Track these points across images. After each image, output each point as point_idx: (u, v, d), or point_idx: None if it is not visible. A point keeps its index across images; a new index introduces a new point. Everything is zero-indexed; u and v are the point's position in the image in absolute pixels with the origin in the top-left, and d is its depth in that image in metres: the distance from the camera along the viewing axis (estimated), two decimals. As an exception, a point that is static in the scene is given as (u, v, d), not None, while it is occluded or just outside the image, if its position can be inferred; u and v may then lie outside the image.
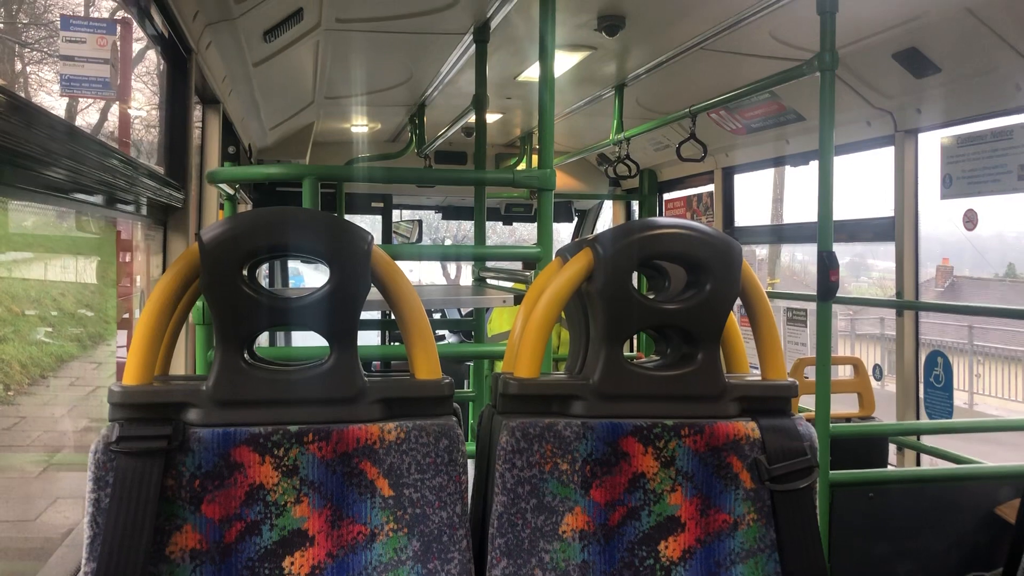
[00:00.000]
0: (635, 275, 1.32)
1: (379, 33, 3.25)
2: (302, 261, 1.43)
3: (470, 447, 1.40)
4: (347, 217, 2.39)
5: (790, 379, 1.35)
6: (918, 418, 3.72)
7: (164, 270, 2.36)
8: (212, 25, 2.40)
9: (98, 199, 1.66)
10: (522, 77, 4.05)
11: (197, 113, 2.76)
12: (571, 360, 1.40)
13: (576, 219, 6.97)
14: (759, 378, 1.35)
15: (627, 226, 1.29)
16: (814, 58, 2.66)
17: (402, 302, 1.26)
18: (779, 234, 4.89)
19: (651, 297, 1.30)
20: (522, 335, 1.30)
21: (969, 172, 3.27)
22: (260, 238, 1.18)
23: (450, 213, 7.21)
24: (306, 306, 1.19)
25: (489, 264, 3.32)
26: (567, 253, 1.33)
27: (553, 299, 1.28)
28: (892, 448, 3.76)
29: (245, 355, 1.20)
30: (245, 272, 1.19)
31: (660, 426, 1.26)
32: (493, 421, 1.30)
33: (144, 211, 2.12)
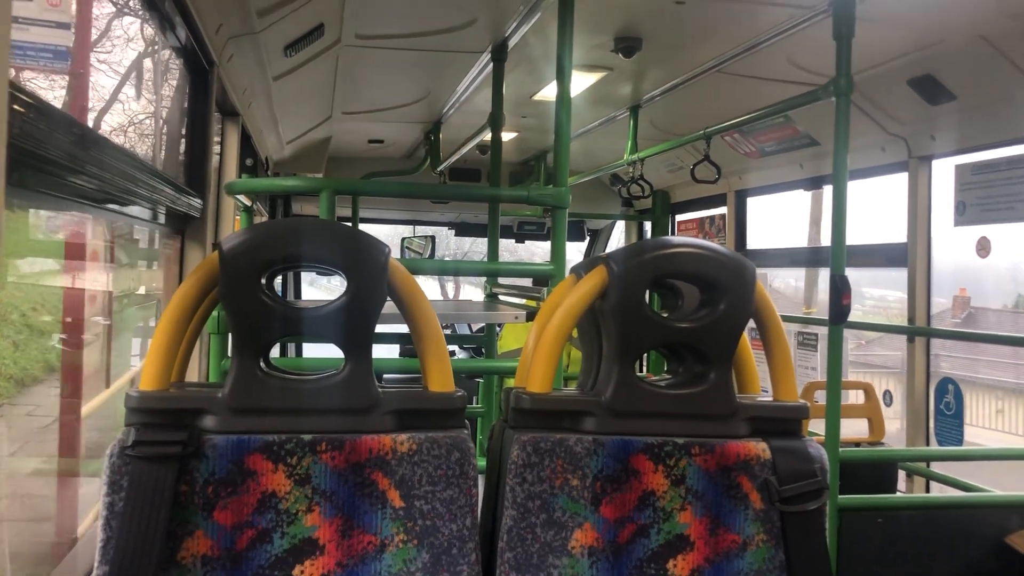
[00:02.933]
0: (648, 293, 1.33)
1: (398, 50, 3.29)
2: (318, 272, 1.44)
3: (480, 462, 1.41)
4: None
5: (802, 400, 1.36)
6: (928, 445, 3.70)
7: (181, 279, 2.38)
8: (235, 38, 2.43)
9: (117, 206, 1.68)
10: (538, 96, 4.08)
11: (216, 125, 2.79)
12: (583, 376, 1.40)
13: (588, 238, 6.99)
14: (771, 399, 1.36)
15: (642, 244, 1.30)
16: (830, 83, 2.67)
17: (418, 315, 1.27)
18: (792, 258, 4.89)
19: (664, 315, 1.31)
20: (535, 350, 1.31)
21: (983, 199, 3.27)
22: (279, 248, 1.20)
23: (463, 230, 7.24)
24: (322, 316, 1.21)
25: (501, 280, 3.34)
26: (581, 270, 1.34)
27: (567, 315, 1.29)
28: (901, 474, 3.74)
29: (261, 364, 1.21)
30: (263, 281, 1.20)
31: (671, 444, 1.27)
32: (504, 435, 1.30)
33: (162, 219, 2.14)
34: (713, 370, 1.29)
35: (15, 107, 0.93)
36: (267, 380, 1.20)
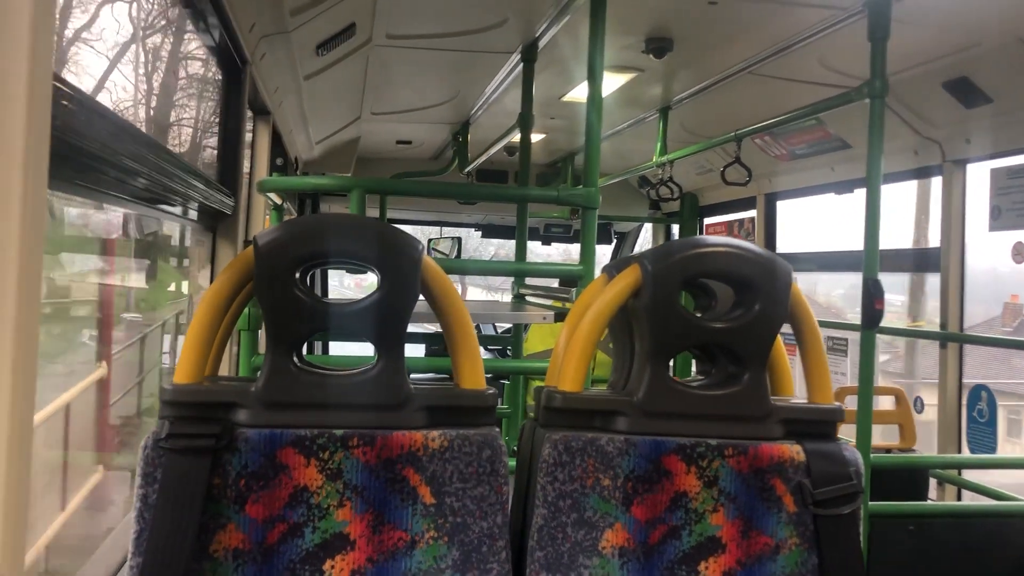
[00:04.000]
0: (681, 293, 1.32)
1: (428, 50, 3.30)
2: (348, 270, 1.44)
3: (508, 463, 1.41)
4: None
5: (836, 403, 1.34)
6: (959, 452, 3.65)
7: (212, 275, 2.40)
8: (267, 37, 2.45)
9: (152, 201, 1.70)
10: (567, 97, 4.08)
11: (248, 123, 2.81)
12: (615, 375, 1.40)
13: (615, 241, 6.97)
14: (805, 402, 1.34)
15: (675, 243, 1.29)
16: (863, 85, 2.64)
17: (450, 312, 1.27)
18: (822, 262, 4.85)
19: (698, 315, 1.30)
20: (567, 349, 1.31)
21: (1019, 204, 3.22)
22: (314, 243, 1.20)
23: (490, 231, 7.24)
24: (356, 312, 1.21)
25: (528, 281, 3.33)
26: (613, 270, 1.34)
27: (599, 314, 1.28)
28: (932, 482, 3.69)
29: (294, 358, 1.22)
30: (297, 277, 1.21)
31: (704, 445, 1.26)
32: (535, 434, 1.30)
33: (194, 216, 2.16)
34: (747, 371, 1.28)
35: (60, 101, 0.94)
36: (300, 375, 1.20)
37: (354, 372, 1.23)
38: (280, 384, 1.20)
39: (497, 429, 1.27)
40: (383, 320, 1.22)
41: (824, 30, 2.85)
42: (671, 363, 1.35)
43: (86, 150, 1.15)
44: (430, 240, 7.12)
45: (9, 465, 0.85)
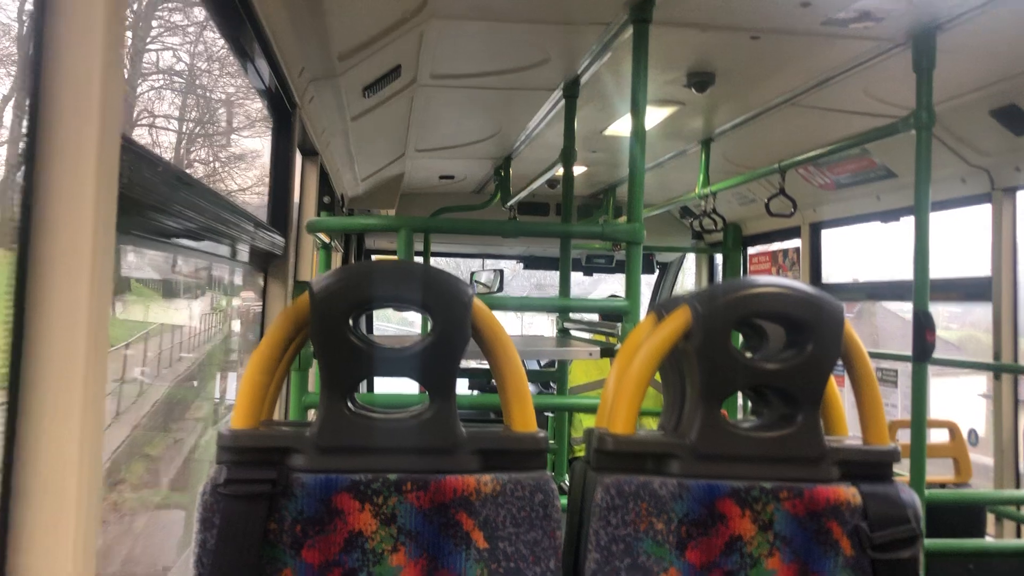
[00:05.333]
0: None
1: (471, 89, 3.34)
2: (396, 308, 1.46)
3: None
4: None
5: (892, 444, 1.33)
6: (1017, 487, 3.56)
7: (263, 314, 2.44)
8: (316, 81, 2.51)
9: (207, 245, 1.74)
10: (609, 131, 4.09)
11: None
12: (665, 417, 1.39)
13: (657, 271, 6.94)
14: (859, 442, 1.33)
15: (726, 284, 1.29)
16: (910, 116, 2.62)
17: (500, 355, 1.28)
18: (869, 291, 4.78)
19: (750, 356, 1.29)
20: (617, 391, 1.31)
21: (1073, 232, 3.15)
22: (368, 289, 1.22)
23: (532, 263, 7.25)
24: (409, 357, 1.22)
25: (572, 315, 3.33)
26: (663, 310, 1.34)
27: (650, 356, 1.28)
28: (990, 518, 3.59)
29: (348, 403, 1.24)
30: (351, 322, 1.23)
31: (758, 488, 1.25)
32: (587, 477, 1.30)
33: (245, 257, 2.20)
34: (801, 412, 1.27)
35: (125, 159, 0.98)
36: (354, 419, 1.22)
37: (407, 415, 1.25)
38: (335, 429, 1.21)
39: (549, 473, 1.28)
40: (435, 364, 1.24)
41: (868, 61, 2.84)
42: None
43: (148, 203, 1.19)
44: (472, 273, 7.15)
45: (80, 486, 0.89)
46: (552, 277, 5.12)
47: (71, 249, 0.89)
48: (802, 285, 1.29)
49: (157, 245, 1.50)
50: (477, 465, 1.24)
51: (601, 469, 1.27)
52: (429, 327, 1.25)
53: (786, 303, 1.26)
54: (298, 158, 2.81)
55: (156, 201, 1.24)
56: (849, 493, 1.26)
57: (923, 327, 2.56)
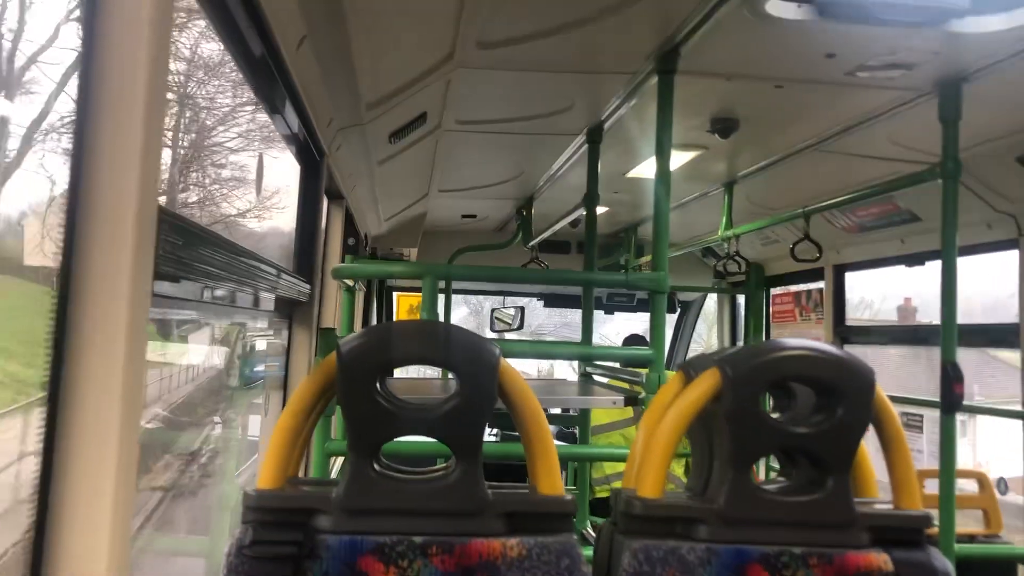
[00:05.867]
0: None
1: (495, 134, 3.37)
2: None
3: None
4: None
5: (925, 510, 1.31)
6: None
7: (287, 361, 2.45)
8: (344, 130, 2.54)
9: (237, 298, 1.76)
10: (631, 174, 4.11)
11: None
12: (693, 479, 1.38)
13: (679, 311, 6.92)
14: (891, 505, 1.31)
15: (756, 347, 1.29)
16: (936, 166, 2.62)
17: (527, 416, 1.28)
18: (893, 335, 4.74)
19: (779, 419, 1.29)
20: (646, 453, 1.30)
21: (1103, 281, 3.12)
22: (396, 350, 1.23)
23: (552, 300, 7.25)
24: (436, 418, 1.23)
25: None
26: (691, 370, 1.33)
27: (679, 418, 1.28)
28: (1021, 570, 3.52)
29: (374, 463, 1.24)
30: (378, 385, 1.23)
31: (788, 554, 1.23)
32: (614, 540, 1.29)
33: (272, 307, 2.22)
34: (831, 476, 1.26)
35: (161, 227, 1.00)
36: (380, 481, 1.22)
37: (433, 477, 1.25)
38: (361, 490, 1.22)
39: (575, 536, 1.27)
40: (462, 425, 1.24)
41: (893, 109, 2.84)
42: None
43: (186, 262, 1.21)
44: (493, 310, 7.15)
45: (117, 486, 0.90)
46: (576, 313, 5.08)
47: (106, 325, 0.91)
48: (832, 348, 1.29)
49: (191, 305, 1.52)
50: (503, 528, 1.24)
51: (629, 533, 1.26)
52: (454, 387, 1.25)
53: (817, 367, 1.25)
54: (324, 202, 2.84)
55: (189, 264, 1.25)
56: (880, 560, 1.24)
57: (951, 379, 2.53)
